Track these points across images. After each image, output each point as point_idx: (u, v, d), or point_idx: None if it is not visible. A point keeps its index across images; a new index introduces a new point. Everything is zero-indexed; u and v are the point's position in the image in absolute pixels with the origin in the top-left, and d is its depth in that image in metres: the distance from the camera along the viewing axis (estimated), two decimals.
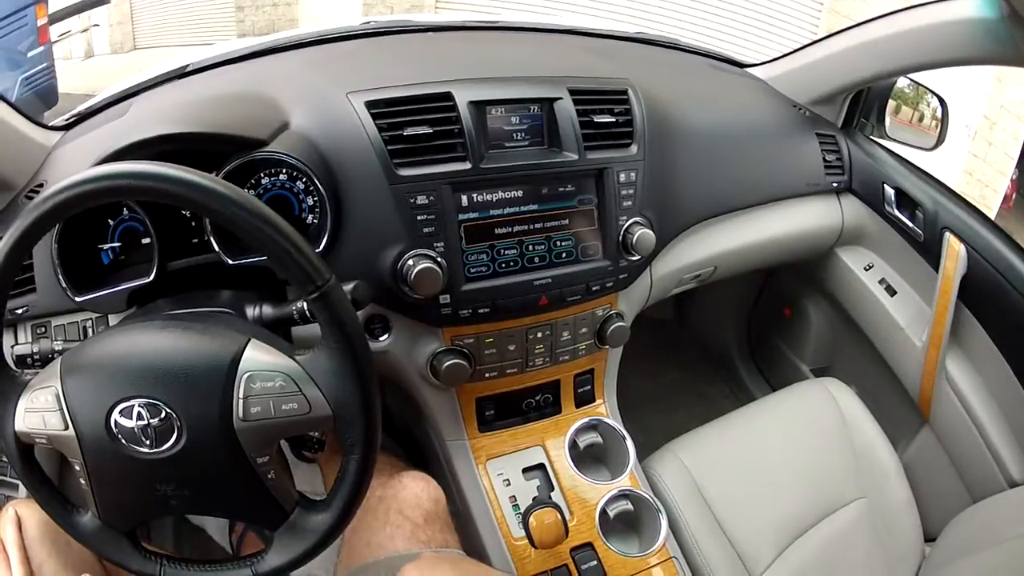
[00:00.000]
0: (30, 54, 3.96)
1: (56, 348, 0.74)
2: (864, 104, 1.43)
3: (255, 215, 0.59)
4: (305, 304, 0.74)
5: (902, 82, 1.41)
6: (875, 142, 1.43)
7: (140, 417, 0.63)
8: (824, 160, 1.37)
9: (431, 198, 0.92)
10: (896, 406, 1.44)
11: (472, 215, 0.96)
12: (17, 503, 0.85)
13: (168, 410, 0.63)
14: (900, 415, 1.43)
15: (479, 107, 0.96)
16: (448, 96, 0.94)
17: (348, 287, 0.69)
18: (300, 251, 0.61)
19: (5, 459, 0.98)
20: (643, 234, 1.01)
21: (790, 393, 1.36)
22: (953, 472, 1.35)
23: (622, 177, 1.02)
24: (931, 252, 1.30)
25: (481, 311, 0.98)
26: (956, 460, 1.34)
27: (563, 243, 1.01)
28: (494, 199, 0.97)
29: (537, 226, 1.00)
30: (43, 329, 0.92)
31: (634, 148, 1.04)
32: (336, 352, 0.64)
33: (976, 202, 1.35)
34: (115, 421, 0.63)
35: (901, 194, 1.34)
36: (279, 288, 0.92)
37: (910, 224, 1.33)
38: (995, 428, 1.26)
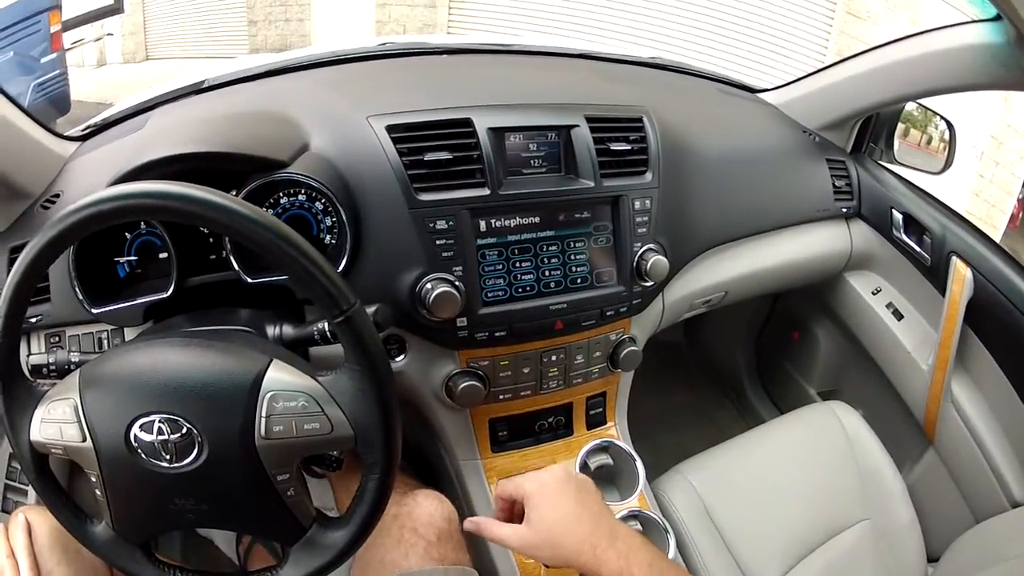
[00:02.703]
0: (43, 60, 3.98)
1: (72, 359, 0.74)
2: (873, 129, 1.44)
3: (281, 237, 0.60)
4: (327, 326, 0.75)
5: (910, 105, 1.42)
6: (884, 167, 1.44)
7: (160, 432, 0.63)
8: (834, 185, 1.38)
9: (450, 223, 0.93)
10: (902, 428, 1.44)
11: (490, 240, 0.96)
12: (27, 509, 0.85)
13: (189, 426, 0.63)
14: (906, 437, 1.43)
15: (498, 133, 0.96)
16: (468, 122, 0.95)
17: (370, 310, 0.70)
18: (326, 274, 0.61)
19: (15, 465, 0.98)
20: (657, 260, 1.02)
21: (797, 416, 1.36)
22: (957, 493, 1.35)
23: (637, 204, 1.03)
24: (938, 276, 1.30)
25: (497, 334, 0.99)
26: (960, 481, 1.34)
27: (579, 269, 1.02)
28: (512, 225, 0.97)
29: (554, 252, 1.00)
30: (57, 339, 0.92)
31: (649, 176, 1.05)
32: (359, 374, 0.65)
33: (983, 222, 1.36)
34: (135, 435, 0.64)
35: (909, 219, 1.35)
36: (297, 307, 0.93)
37: (918, 249, 1.34)
38: (998, 449, 1.27)
